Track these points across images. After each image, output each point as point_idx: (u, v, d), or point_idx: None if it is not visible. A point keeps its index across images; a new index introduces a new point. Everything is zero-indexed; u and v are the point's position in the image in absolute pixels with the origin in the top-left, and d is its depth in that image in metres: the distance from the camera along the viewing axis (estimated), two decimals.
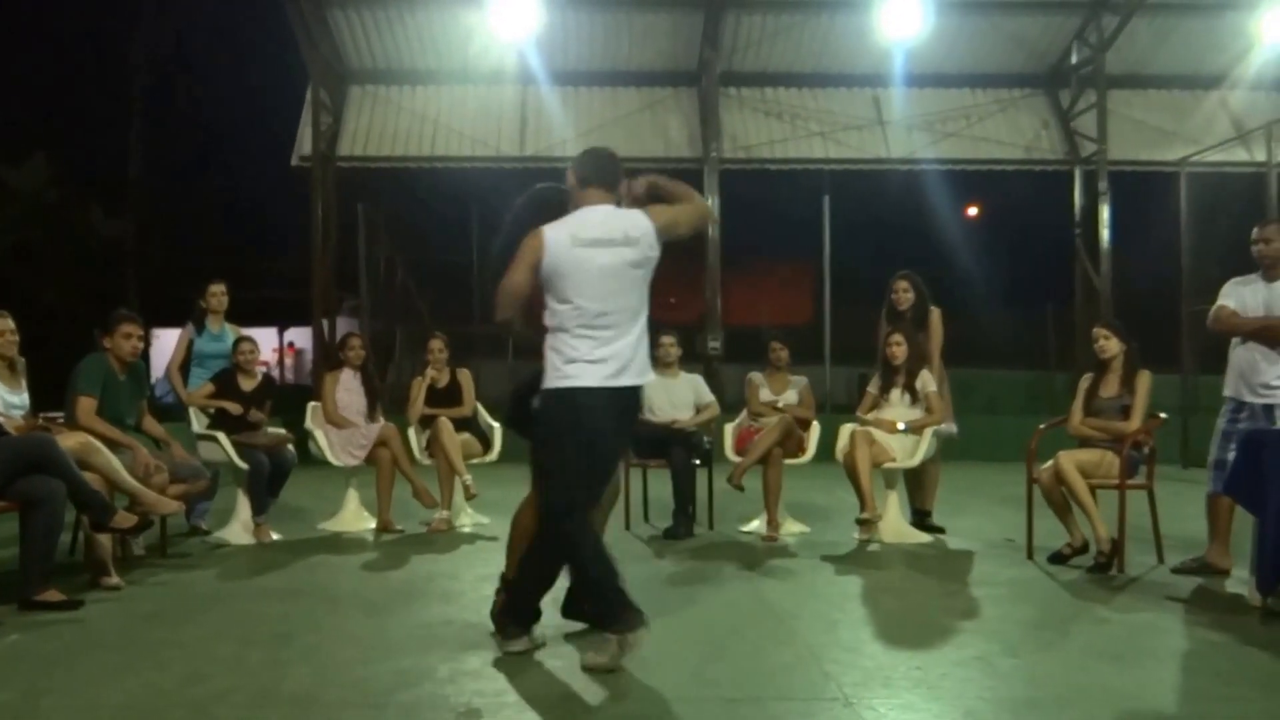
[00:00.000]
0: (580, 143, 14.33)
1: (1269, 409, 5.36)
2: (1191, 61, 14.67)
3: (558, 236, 3.77)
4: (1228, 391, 5.57)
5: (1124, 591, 5.17)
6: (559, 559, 3.89)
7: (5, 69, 23.71)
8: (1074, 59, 14.55)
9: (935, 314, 7.07)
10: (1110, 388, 5.91)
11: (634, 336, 3.82)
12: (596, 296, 3.75)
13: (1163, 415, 5.99)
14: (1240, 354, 5.52)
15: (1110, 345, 5.93)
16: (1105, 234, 14.22)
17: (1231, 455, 5.31)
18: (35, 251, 21.40)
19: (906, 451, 6.69)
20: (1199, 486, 5.84)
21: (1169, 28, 14.31)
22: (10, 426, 4.92)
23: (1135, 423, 5.75)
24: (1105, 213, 14.19)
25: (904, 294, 7.07)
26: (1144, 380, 5.84)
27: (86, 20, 22.58)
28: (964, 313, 18.83)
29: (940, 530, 6.90)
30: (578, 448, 3.75)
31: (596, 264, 3.75)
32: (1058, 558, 5.77)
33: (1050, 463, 5.80)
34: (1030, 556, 5.93)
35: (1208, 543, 5.56)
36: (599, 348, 3.74)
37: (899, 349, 6.78)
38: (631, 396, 3.89)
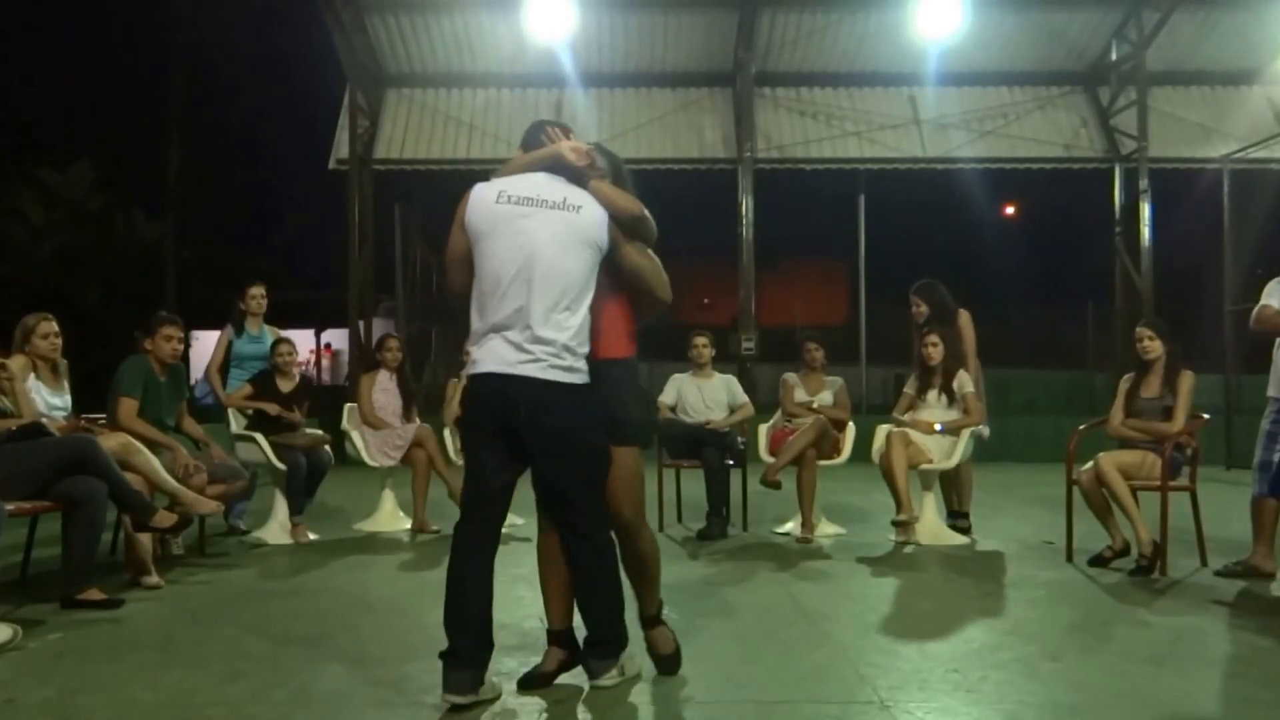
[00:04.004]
0: (614, 144, 14.30)
1: None
2: (1234, 57, 14.45)
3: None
4: (1272, 392, 5.47)
5: (1166, 595, 5.09)
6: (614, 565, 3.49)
7: (50, 79, 24.14)
8: (1114, 56, 14.39)
9: (963, 316, 6.99)
10: (1152, 388, 5.83)
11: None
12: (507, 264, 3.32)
13: (1205, 416, 5.90)
14: None
15: (1154, 346, 5.84)
16: (1146, 232, 14.05)
17: (1277, 457, 5.23)
18: (78, 255, 21.75)
19: (943, 452, 6.63)
20: (1243, 488, 5.74)
21: (1211, 23, 14.10)
22: (53, 427, 4.98)
23: (1178, 423, 5.66)
24: (1146, 211, 14.02)
25: (918, 309, 7.03)
26: (1186, 380, 5.74)
27: (127, 29, 22.92)
28: (1001, 313, 18.76)
29: (967, 531, 6.82)
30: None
31: (516, 226, 3.35)
32: (1098, 560, 5.69)
33: (1091, 464, 5.73)
34: (1070, 559, 5.85)
35: (1252, 545, 5.46)
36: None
37: (935, 350, 6.72)
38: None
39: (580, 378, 3.34)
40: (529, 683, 3.46)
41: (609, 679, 3.44)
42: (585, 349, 3.36)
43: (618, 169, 3.63)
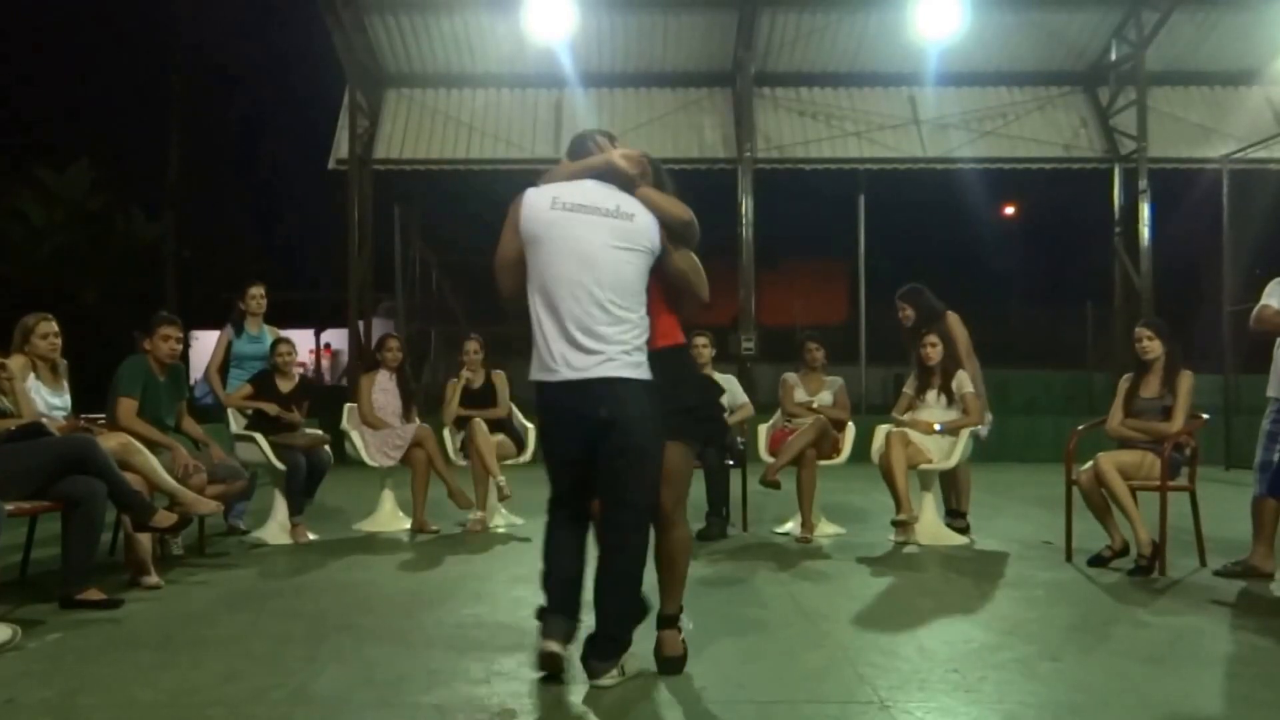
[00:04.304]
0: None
1: None
2: (1233, 57, 14.46)
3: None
4: (1272, 392, 5.47)
5: (1165, 595, 5.09)
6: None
7: (50, 79, 24.14)
8: (1113, 56, 14.40)
9: (951, 318, 6.99)
10: (1151, 388, 5.83)
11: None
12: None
13: (1204, 416, 5.91)
14: None
15: (1153, 346, 5.84)
16: (1145, 233, 14.06)
17: (1277, 457, 5.23)
18: (78, 255, 21.75)
19: (943, 453, 6.63)
20: (1242, 488, 5.74)
21: (1210, 23, 14.11)
22: (53, 427, 4.98)
23: (1177, 424, 5.66)
24: (1145, 211, 14.03)
25: (904, 315, 7.04)
26: (1185, 381, 5.75)
27: (127, 30, 22.91)
28: (1001, 313, 18.77)
29: (965, 530, 6.82)
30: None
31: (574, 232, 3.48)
32: (1097, 560, 5.69)
33: (1090, 464, 5.73)
34: (1069, 559, 5.86)
35: (1251, 545, 5.46)
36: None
37: (934, 350, 6.72)
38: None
39: (647, 374, 3.48)
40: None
41: (609, 679, 3.45)
42: (645, 348, 3.50)
43: (658, 172, 3.73)
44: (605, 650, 3.47)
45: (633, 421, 3.41)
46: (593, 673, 3.45)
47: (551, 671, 3.46)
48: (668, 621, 3.64)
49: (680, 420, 3.59)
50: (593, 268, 3.43)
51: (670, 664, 3.60)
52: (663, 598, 3.65)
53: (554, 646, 3.42)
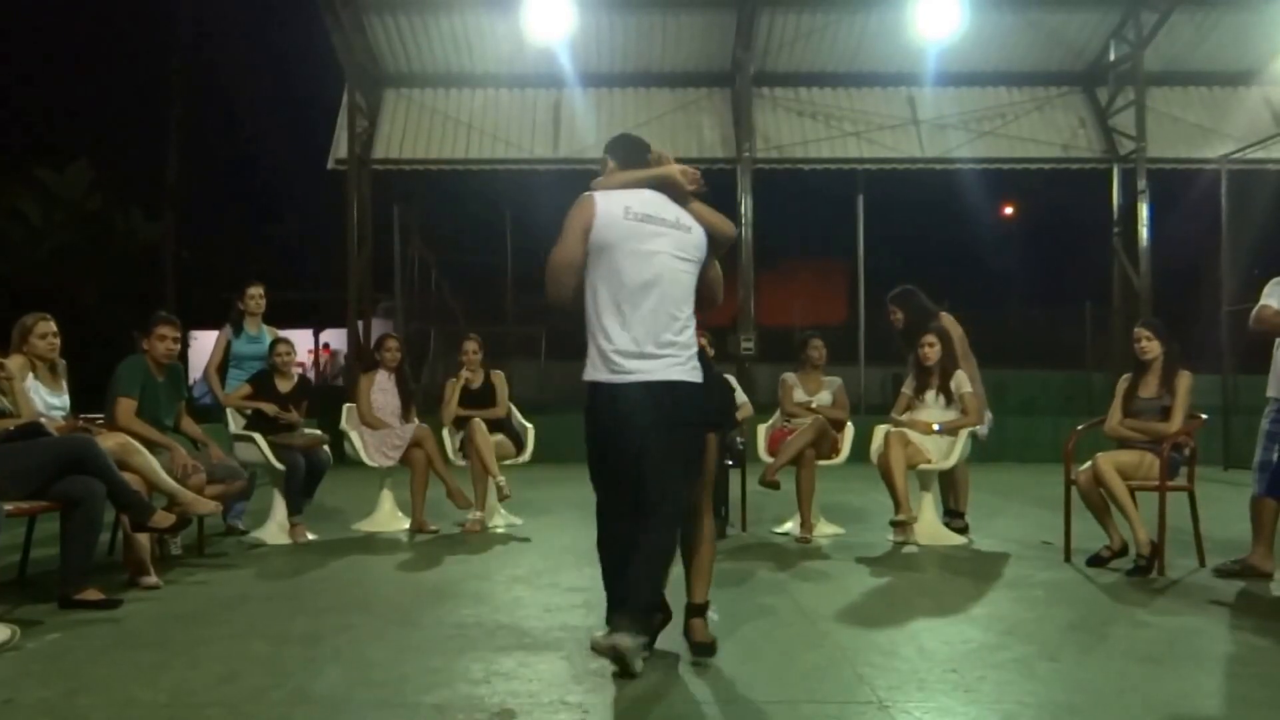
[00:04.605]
0: None
1: None
2: (1232, 57, 14.47)
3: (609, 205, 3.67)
4: (1271, 392, 5.48)
5: (1164, 595, 5.09)
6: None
7: (49, 78, 24.13)
8: (1112, 56, 14.39)
9: (944, 319, 6.99)
10: (1150, 388, 5.83)
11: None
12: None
13: (1203, 416, 5.91)
14: None
15: (1152, 346, 5.85)
16: (1144, 233, 14.06)
17: (1276, 457, 5.23)
18: (77, 255, 21.73)
19: (941, 453, 6.63)
20: (1241, 488, 5.75)
21: (1209, 23, 14.12)
22: (51, 427, 4.98)
23: (1175, 424, 5.66)
24: (1144, 211, 14.03)
25: (894, 318, 7.06)
26: (1184, 381, 5.75)
27: (126, 29, 22.90)
28: (1000, 313, 18.77)
29: (964, 530, 6.82)
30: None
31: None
32: (1096, 560, 5.69)
33: (1089, 464, 5.73)
34: (1068, 559, 5.86)
35: (1251, 545, 5.47)
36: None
37: (932, 350, 6.72)
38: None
39: (700, 375, 3.72)
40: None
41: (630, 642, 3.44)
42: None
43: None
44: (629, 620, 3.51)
45: (690, 421, 3.66)
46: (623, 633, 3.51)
47: (624, 669, 3.48)
48: (698, 610, 3.82)
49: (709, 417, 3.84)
50: (661, 279, 3.63)
51: (702, 648, 3.76)
52: (692, 588, 3.84)
53: (629, 640, 3.43)
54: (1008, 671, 3.68)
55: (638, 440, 3.60)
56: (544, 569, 5.69)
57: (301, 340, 18.21)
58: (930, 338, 6.74)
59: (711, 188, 3.93)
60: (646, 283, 3.61)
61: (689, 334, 3.70)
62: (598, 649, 3.48)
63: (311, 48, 15.81)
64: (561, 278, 3.65)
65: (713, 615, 3.86)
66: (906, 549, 6.45)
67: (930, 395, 6.75)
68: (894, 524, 6.48)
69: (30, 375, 5.33)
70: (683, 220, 3.72)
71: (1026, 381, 17.29)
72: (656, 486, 3.59)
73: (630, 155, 3.88)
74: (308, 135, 17.44)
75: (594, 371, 3.66)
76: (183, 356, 6.34)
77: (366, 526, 7.26)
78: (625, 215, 3.63)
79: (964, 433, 6.60)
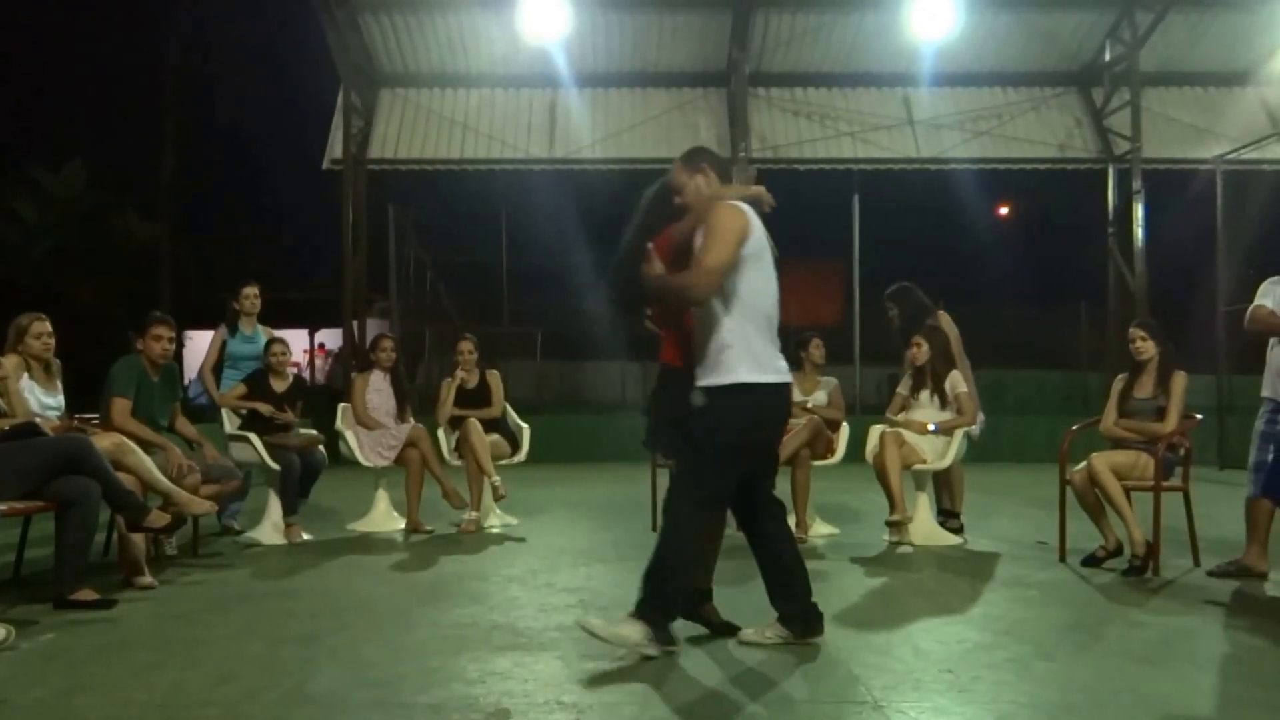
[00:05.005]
0: (609, 145, 14.40)
1: None
2: (1227, 58, 14.51)
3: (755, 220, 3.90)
4: (1266, 392, 5.49)
5: (1159, 595, 5.10)
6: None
7: (44, 78, 24.09)
8: (1107, 56, 14.43)
9: (942, 317, 7.00)
10: (1145, 388, 5.84)
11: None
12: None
13: (1198, 416, 5.92)
14: (1279, 354, 5.43)
15: (1147, 346, 5.86)
16: (1140, 233, 14.08)
17: (1271, 457, 5.24)
18: (73, 255, 21.68)
19: (937, 453, 6.64)
20: (1235, 488, 5.76)
21: (1204, 24, 14.15)
22: (46, 427, 4.97)
23: (1170, 424, 5.68)
24: (1140, 212, 14.05)
25: (890, 315, 7.07)
26: (1179, 381, 5.76)
27: (122, 30, 22.87)
28: (995, 313, 18.76)
29: (959, 530, 6.83)
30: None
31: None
32: (1091, 560, 5.70)
33: (1084, 464, 5.74)
34: (1063, 559, 5.87)
35: (1245, 545, 5.48)
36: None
37: (919, 350, 6.74)
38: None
39: None
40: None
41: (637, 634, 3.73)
42: None
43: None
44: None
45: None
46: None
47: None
48: (707, 595, 4.21)
49: None
50: (775, 290, 3.97)
51: (722, 627, 4.13)
52: (698, 578, 4.11)
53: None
54: (1003, 671, 3.69)
55: (777, 436, 4.13)
56: (539, 569, 5.69)
57: (297, 340, 18.20)
58: (917, 338, 6.75)
59: None
60: (774, 294, 3.94)
61: None
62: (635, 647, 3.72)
63: (307, 48, 15.82)
64: (718, 280, 3.80)
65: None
66: (902, 549, 6.46)
67: (925, 395, 6.76)
68: (889, 524, 6.49)
69: (25, 375, 5.32)
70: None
71: (1022, 381, 17.30)
72: (768, 485, 4.07)
73: (723, 171, 4.13)
74: (303, 135, 17.42)
75: (749, 372, 3.80)
76: (178, 356, 6.32)
77: (362, 527, 7.25)
78: (761, 230, 3.89)
79: (959, 433, 6.61)
